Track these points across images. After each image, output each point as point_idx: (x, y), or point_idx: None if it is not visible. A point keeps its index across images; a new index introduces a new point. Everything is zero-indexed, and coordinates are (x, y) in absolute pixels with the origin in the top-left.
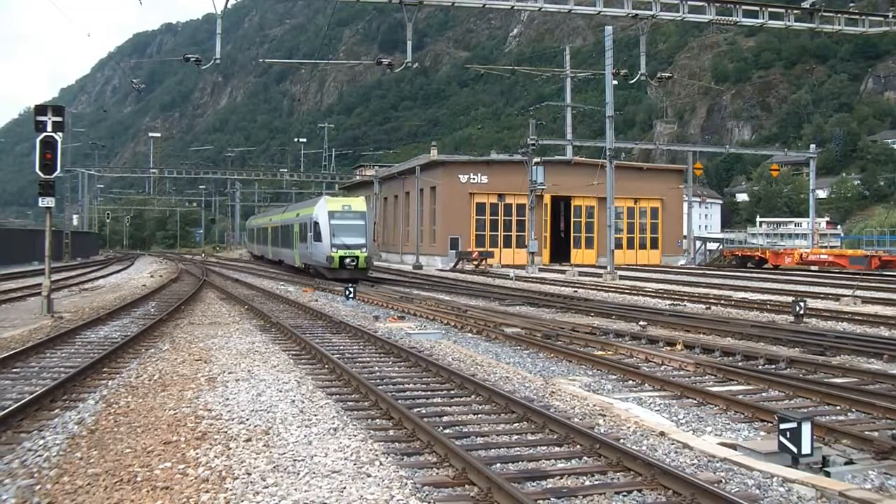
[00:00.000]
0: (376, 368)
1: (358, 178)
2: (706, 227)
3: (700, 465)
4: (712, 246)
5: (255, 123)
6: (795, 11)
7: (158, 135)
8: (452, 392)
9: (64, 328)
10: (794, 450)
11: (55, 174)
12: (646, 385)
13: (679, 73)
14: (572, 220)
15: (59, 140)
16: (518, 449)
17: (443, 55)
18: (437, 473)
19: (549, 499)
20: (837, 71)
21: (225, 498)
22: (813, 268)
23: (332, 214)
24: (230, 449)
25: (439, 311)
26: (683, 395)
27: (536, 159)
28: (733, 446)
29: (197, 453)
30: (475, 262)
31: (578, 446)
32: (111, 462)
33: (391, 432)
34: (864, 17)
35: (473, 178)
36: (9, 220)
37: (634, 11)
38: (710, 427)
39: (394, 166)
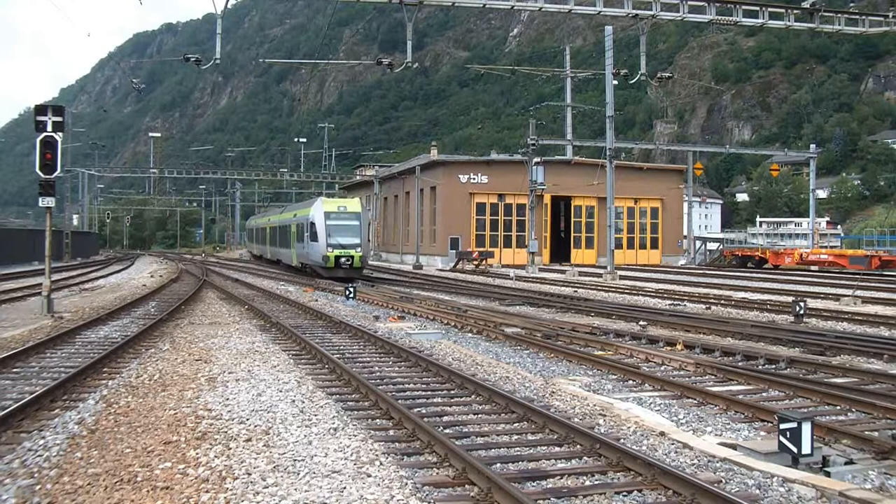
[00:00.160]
0: (376, 368)
1: (358, 178)
2: (706, 227)
3: (700, 465)
4: (712, 246)
5: (255, 123)
6: (795, 11)
7: (158, 135)
8: (453, 392)
9: (64, 328)
10: (795, 450)
11: (55, 174)
12: (646, 385)
13: (679, 73)
14: (572, 220)
15: (60, 140)
16: (518, 449)
17: (443, 55)
18: (438, 473)
19: (549, 499)
20: (837, 71)
21: (225, 498)
22: (813, 268)
23: (328, 215)
24: (230, 449)
25: (439, 311)
26: (683, 395)
27: (536, 159)
28: (733, 446)
29: (197, 453)
30: (475, 262)
31: (578, 446)
32: (111, 462)
33: (391, 432)
34: (864, 17)
35: (473, 178)
36: (9, 220)
37: (634, 11)
38: (710, 427)
39: (394, 166)
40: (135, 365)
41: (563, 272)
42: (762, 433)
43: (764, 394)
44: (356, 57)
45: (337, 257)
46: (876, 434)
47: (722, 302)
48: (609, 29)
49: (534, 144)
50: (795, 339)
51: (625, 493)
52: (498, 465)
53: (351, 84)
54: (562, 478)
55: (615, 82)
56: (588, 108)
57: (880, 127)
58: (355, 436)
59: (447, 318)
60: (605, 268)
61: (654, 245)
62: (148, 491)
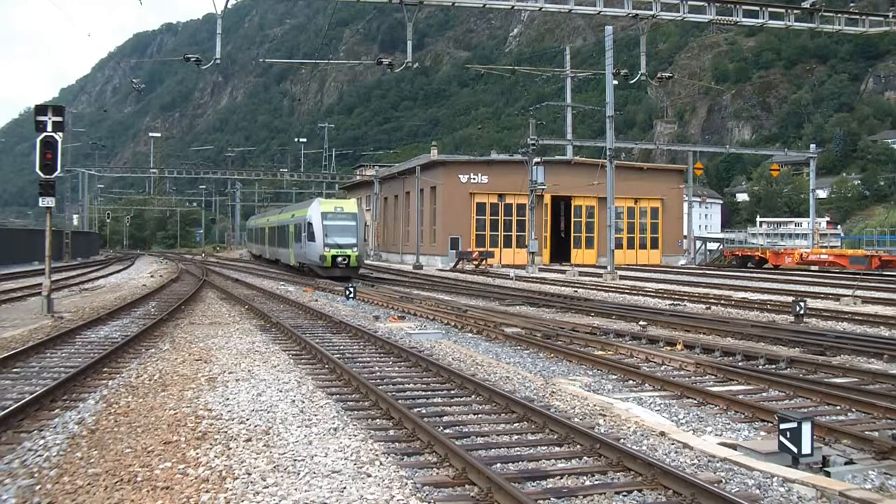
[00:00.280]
0: (376, 368)
1: (358, 178)
2: (706, 227)
3: (700, 465)
4: (712, 246)
5: (256, 123)
6: (796, 11)
7: (159, 135)
8: (453, 392)
9: (64, 328)
10: (795, 450)
11: (55, 174)
12: (646, 385)
13: (679, 73)
14: (572, 220)
15: (60, 140)
16: (518, 449)
17: (443, 55)
18: (438, 473)
19: (549, 499)
20: (838, 71)
21: (225, 498)
22: (813, 268)
23: (324, 216)
24: (230, 449)
25: (439, 311)
26: (684, 395)
27: (536, 159)
28: (733, 446)
29: (197, 453)
30: (475, 262)
31: (579, 446)
32: (111, 462)
33: (391, 432)
34: (864, 17)
35: (473, 178)
36: (9, 220)
37: (634, 11)
38: (710, 427)
39: (394, 166)
40: (135, 365)
41: (563, 272)
42: (762, 433)
43: (764, 394)
44: (356, 57)
45: (334, 257)
46: (876, 434)
47: (722, 302)
48: (609, 29)
49: (534, 144)
50: (795, 339)
51: (625, 493)
52: (498, 465)
53: (351, 84)
54: (562, 478)
55: (615, 82)
56: (588, 108)
57: (880, 127)
58: (355, 436)
59: (447, 318)
60: (605, 268)
61: (655, 245)
62: (148, 491)
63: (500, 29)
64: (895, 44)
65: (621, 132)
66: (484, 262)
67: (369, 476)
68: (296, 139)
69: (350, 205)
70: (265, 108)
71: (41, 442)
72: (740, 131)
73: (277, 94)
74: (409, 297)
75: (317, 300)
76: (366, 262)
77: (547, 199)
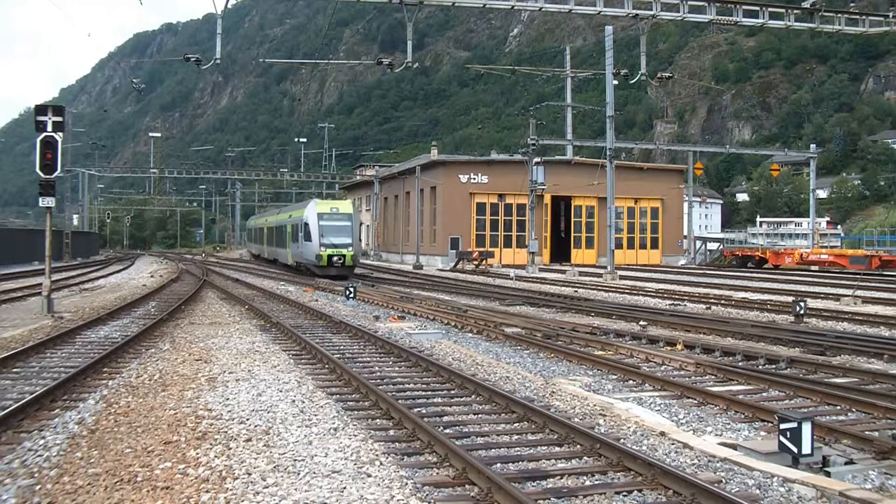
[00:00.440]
0: (376, 368)
1: (358, 178)
2: (706, 227)
3: (700, 465)
4: (712, 246)
5: (256, 123)
6: (796, 11)
7: (159, 135)
8: (453, 392)
9: (64, 328)
10: (795, 450)
11: (55, 174)
12: (646, 385)
13: (679, 73)
14: (572, 220)
15: (60, 140)
16: (518, 449)
17: (443, 55)
18: (438, 473)
19: (549, 499)
20: (838, 71)
21: (225, 498)
22: (813, 268)
23: (321, 216)
24: (230, 449)
25: (440, 311)
26: (684, 395)
27: (537, 159)
28: (734, 446)
29: (197, 453)
30: (475, 262)
31: (579, 446)
32: (111, 462)
33: (391, 432)
34: (864, 17)
35: (474, 178)
36: (9, 220)
37: (635, 11)
38: (710, 427)
39: (394, 166)
40: (135, 365)
41: (563, 272)
42: (762, 433)
43: (764, 394)
44: (356, 57)
45: (330, 256)
46: (876, 434)
47: (722, 302)
48: (609, 29)
49: (534, 144)
50: (796, 339)
51: (625, 493)
52: (498, 465)
53: (351, 84)
54: (562, 478)
55: (615, 82)
56: (588, 108)
57: (880, 127)
58: (355, 436)
59: (447, 318)
60: (605, 268)
61: (655, 245)
62: (148, 491)
63: (500, 29)
64: (895, 44)
65: (621, 132)
66: (484, 262)
67: (369, 476)
68: (296, 139)
69: (345, 205)
70: (265, 108)
71: (41, 442)
72: (740, 131)
73: (277, 94)
74: (409, 297)
75: (317, 300)
76: (366, 262)
77: (547, 199)
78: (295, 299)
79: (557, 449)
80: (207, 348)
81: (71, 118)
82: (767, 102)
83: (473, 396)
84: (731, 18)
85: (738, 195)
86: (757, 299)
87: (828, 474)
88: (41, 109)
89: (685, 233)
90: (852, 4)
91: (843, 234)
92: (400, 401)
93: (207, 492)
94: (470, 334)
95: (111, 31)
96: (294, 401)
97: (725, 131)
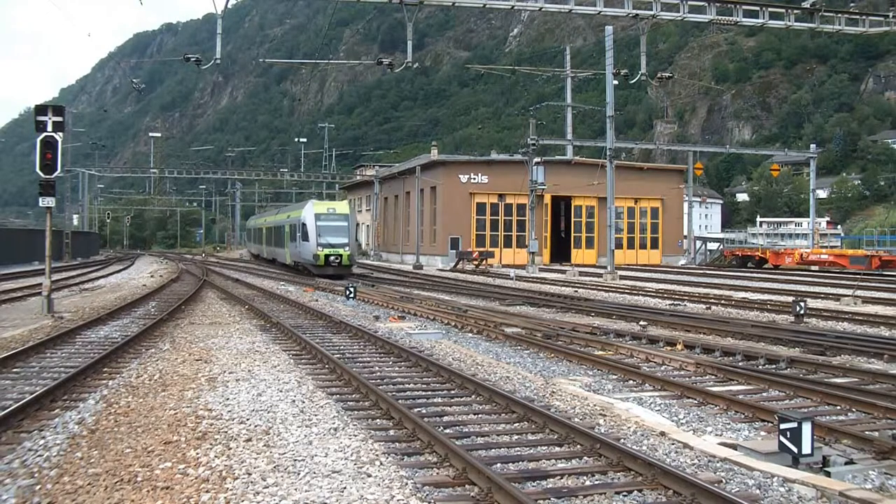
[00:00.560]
0: (377, 368)
1: (358, 178)
2: (706, 227)
3: (700, 465)
4: (712, 246)
5: (256, 123)
6: (796, 11)
7: (159, 135)
8: (453, 392)
9: (64, 328)
10: (795, 450)
11: (55, 174)
12: (646, 385)
13: (679, 73)
14: (572, 220)
15: (60, 140)
16: (518, 449)
17: (443, 55)
18: (438, 473)
19: (549, 499)
20: (838, 71)
21: (225, 498)
22: (813, 268)
23: (318, 217)
24: (230, 449)
25: (440, 311)
26: (684, 395)
27: (537, 159)
28: (734, 446)
29: (197, 453)
30: (475, 262)
31: (579, 446)
32: (111, 462)
33: (391, 432)
34: (864, 16)
35: (474, 178)
36: (9, 220)
37: (635, 11)
38: (710, 427)
39: (394, 166)
40: (135, 365)
41: (563, 272)
42: (762, 433)
43: (764, 394)
44: (356, 57)
45: (327, 255)
46: (876, 434)
47: (722, 302)
48: (609, 29)
49: (534, 144)
50: (796, 339)
51: (625, 493)
52: (498, 465)
53: (351, 84)
54: (562, 478)
55: (615, 82)
56: (588, 108)
57: (880, 127)
58: (355, 436)
59: (447, 318)
60: (605, 268)
61: (655, 245)
62: (148, 491)
63: (500, 29)
64: (895, 44)
65: (621, 132)
66: (484, 262)
67: (369, 476)
68: (296, 139)
69: (342, 206)
70: (265, 108)
71: (41, 442)
72: (740, 131)
73: (277, 94)
74: (409, 297)
75: (317, 300)
76: (366, 262)
77: (547, 199)
78: (295, 299)
79: (557, 449)
80: (207, 348)
81: (71, 118)
82: (767, 102)
83: (473, 396)
84: (731, 18)
85: (738, 195)
86: (757, 299)
87: (828, 474)
88: (41, 109)
89: (685, 233)
90: (852, 4)
91: (843, 234)
92: (400, 401)
93: (207, 492)
94: (470, 334)
95: (111, 31)
96: (294, 401)
97: (725, 131)
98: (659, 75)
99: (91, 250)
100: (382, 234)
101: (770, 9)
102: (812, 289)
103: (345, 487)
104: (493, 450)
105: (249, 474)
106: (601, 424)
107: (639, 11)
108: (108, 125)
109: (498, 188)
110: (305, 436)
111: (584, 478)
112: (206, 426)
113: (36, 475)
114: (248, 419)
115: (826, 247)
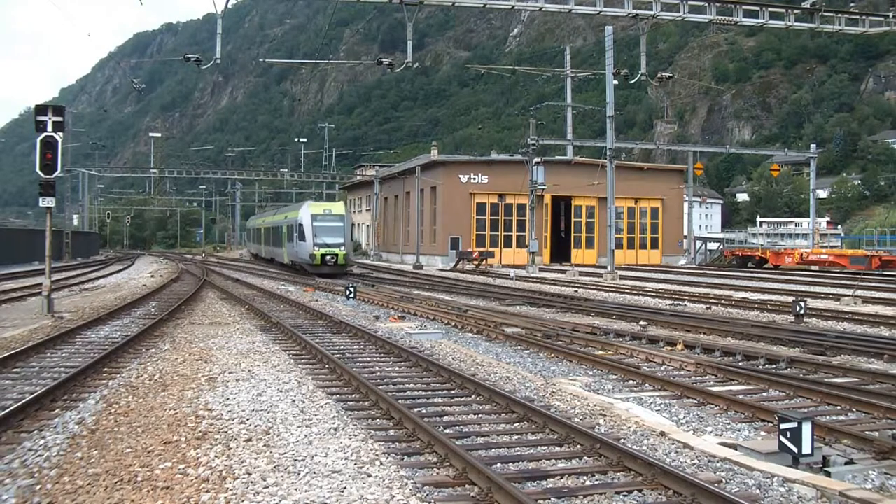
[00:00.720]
0: (377, 368)
1: (358, 178)
2: (706, 227)
3: (700, 465)
4: (713, 246)
5: (256, 123)
6: (796, 11)
7: (159, 135)
8: (453, 392)
9: (64, 328)
10: (795, 450)
11: (55, 174)
12: (646, 385)
13: (679, 73)
14: (573, 220)
15: (60, 140)
16: (518, 449)
17: (443, 55)
18: (438, 473)
19: (549, 499)
20: (838, 71)
21: (225, 498)
22: (813, 268)
23: (314, 217)
24: (230, 449)
25: (440, 311)
26: (684, 395)
27: (537, 159)
28: (734, 446)
29: (197, 453)
30: (475, 262)
31: (579, 446)
32: (111, 462)
33: (392, 432)
34: (864, 17)
35: (474, 178)
36: (9, 220)
37: (635, 11)
38: (710, 427)
39: (394, 166)
40: (135, 365)
41: (563, 272)
42: (762, 433)
43: (764, 394)
44: (356, 57)
45: (323, 255)
46: (876, 434)
47: (722, 302)
48: (609, 29)
49: (534, 144)
50: (796, 339)
51: (625, 493)
52: (498, 465)
53: (351, 84)
54: (562, 478)
55: (615, 82)
56: (588, 108)
57: (880, 127)
58: (355, 436)
59: (447, 318)
60: (605, 268)
61: (655, 245)
62: (148, 491)
63: (501, 29)
64: (895, 44)
65: (621, 132)
66: (484, 262)
67: (369, 476)
68: (296, 139)
69: (338, 207)
70: (265, 108)
71: (41, 442)
72: (740, 131)
73: (277, 94)
74: (409, 297)
75: (317, 300)
76: (366, 262)
77: (547, 199)
78: (295, 299)
79: (557, 449)
80: (207, 348)
81: (71, 118)
82: (767, 102)
83: (473, 396)
84: (731, 18)
85: (738, 195)
86: (757, 299)
87: (828, 474)
88: (41, 109)
89: (685, 233)
90: (852, 4)
91: (843, 234)
92: (400, 401)
93: (207, 492)
94: (470, 334)
95: (111, 31)
96: (294, 401)
97: (725, 131)
98: (659, 75)
99: (91, 250)
100: (382, 234)
101: (770, 9)
102: (812, 289)
103: (345, 487)
104: (493, 450)
105: (249, 474)
106: (601, 424)
107: (639, 11)
108: (108, 125)
109: (498, 188)
110: (305, 436)
111: (584, 478)
112: (206, 426)
113: (36, 475)
114: (248, 419)
115: (826, 247)
